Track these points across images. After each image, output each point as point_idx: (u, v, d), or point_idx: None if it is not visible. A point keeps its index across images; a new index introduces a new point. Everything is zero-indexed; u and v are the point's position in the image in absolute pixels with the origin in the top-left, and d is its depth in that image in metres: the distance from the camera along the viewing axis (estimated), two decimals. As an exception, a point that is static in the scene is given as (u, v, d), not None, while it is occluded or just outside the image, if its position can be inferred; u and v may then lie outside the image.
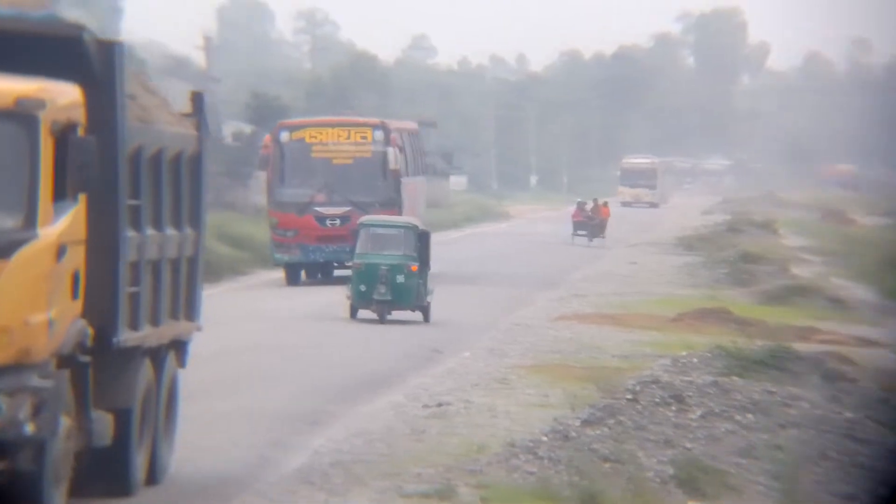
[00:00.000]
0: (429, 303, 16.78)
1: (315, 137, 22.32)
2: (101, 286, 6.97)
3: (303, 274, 22.66)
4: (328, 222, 21.93)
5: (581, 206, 35.41)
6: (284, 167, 22.12)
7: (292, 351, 14.05)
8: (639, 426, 8.65)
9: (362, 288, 16.28)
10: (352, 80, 65.51)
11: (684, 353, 11.45)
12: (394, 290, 16.13)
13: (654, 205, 62.22)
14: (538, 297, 21.36)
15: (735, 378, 9.43)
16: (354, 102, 64.47)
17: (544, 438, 8.60)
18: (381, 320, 16.37)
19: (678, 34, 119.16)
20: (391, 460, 8.68)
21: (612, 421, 8.76)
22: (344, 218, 21.67)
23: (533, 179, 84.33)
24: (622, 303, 19.98)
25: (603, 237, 34.37)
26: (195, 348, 8.71)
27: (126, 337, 7.21)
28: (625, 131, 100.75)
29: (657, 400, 9.02)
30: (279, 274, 22.90)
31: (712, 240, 31.29)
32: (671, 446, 8.35)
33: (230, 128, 44.29)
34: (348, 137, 22.36)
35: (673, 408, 8.90)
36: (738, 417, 8.63)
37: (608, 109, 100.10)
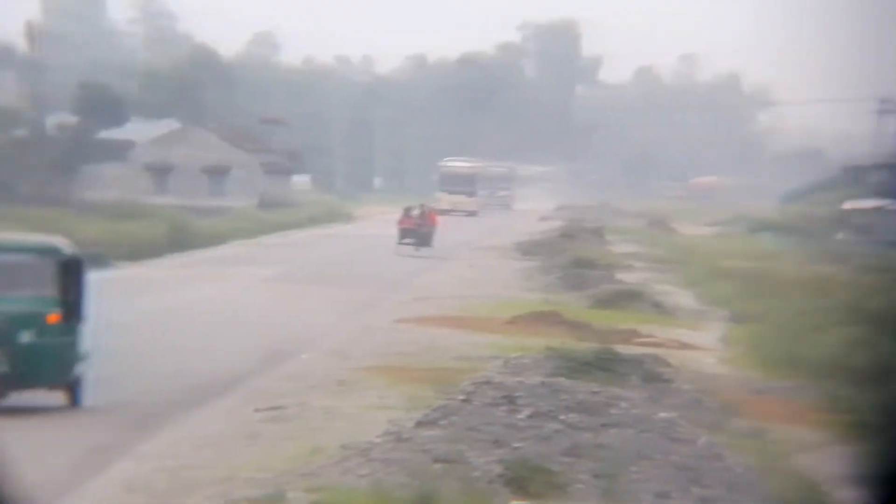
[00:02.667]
0: (81, 377, 10.46)
1: None
2: None
3: None
4: None
5: (408, 211, 32.01)
6: None
7: (122, 355, 13.14)
8: (471, 426, 8.73)
9: None
10: (191, 74, 63.60)
11: (516, 355, 11.64)
12: (15, 358, 9.81)
13: (472, 213, 54.77)
14: (383, 299, 21.38)
15: (563, 379, 9.64)
16: (194, 97, 62.69)
17: (378, 440, 8.60)
18: None
19: (520, 43, 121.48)
20: (222, 466, 8.47)
21: (445, 422, 8.82)
22: None
23: (378, 181, 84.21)
24: (464, 306, 20.21)
25: (430, 246, 31.26)
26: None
27: None
28: (472, 137, 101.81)
29: (489, 400, 9.13)
30: (108, 273, 20.27)
31: (548, 245, 31.99)
32: (500, 446, 8.47)
33: (55, 119, 42.63)
34: None
35: (503, 408, 9.02)
36: (563, 417, 8.82)
37: (455, 115, 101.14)
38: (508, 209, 68.03)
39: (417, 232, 31.60)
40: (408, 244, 31.48)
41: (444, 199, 54.10)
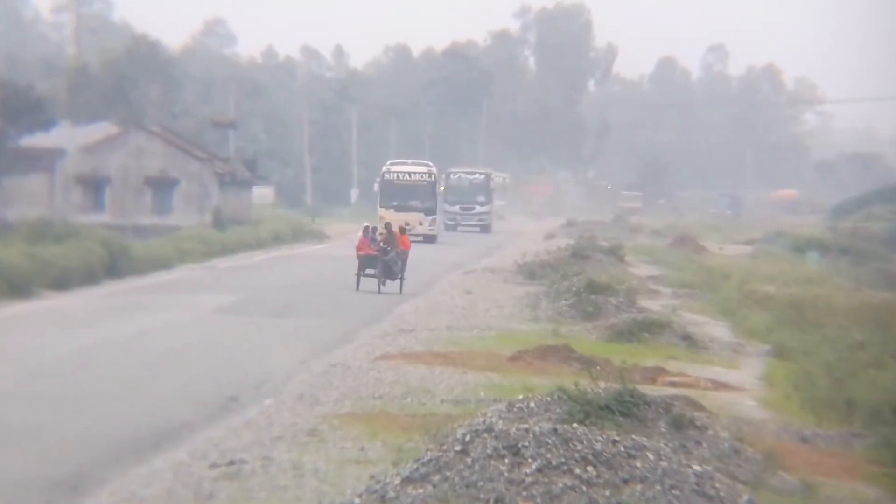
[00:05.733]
0: None
1: None
2: None
3: None
4: None
5: (369, 233, 27.98)
6: None
7: (50, 400, 13.44)
8: (468, 483, 8.74)
9: None
10: (129, 70, 63.26)
11: (522, 397, 11.67)
12: None
13: (428, 238, 47.93)
14: (360, 332, 21.39)
15: (576, 425, 9.66)
16: (133, 96, 62.28)
17: (357, 500, 8.59)
18: None
19: (518, 31, 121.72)
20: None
21: (437, 477, 8.83)
22: None
23: (354, 193, 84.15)
24: (456, 339, 20.23)
25: (403, 278, 27.23)
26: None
27: None
28: (461, 140, 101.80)
29: (489, 451, 9.13)
30: (31, 305, 21.30)
31: (556, 267, 32.10)
32: (503, 506, 8.46)
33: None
34: None
35: (506, 460, 9.03)
36: (578, 471, 8.83)
37: (442, 114, 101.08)
38: (487, 231, 60.50)
39: (381, 259, 27.46)
40: (370, 276, 27.42)
41: (387, 219, 41.81)
